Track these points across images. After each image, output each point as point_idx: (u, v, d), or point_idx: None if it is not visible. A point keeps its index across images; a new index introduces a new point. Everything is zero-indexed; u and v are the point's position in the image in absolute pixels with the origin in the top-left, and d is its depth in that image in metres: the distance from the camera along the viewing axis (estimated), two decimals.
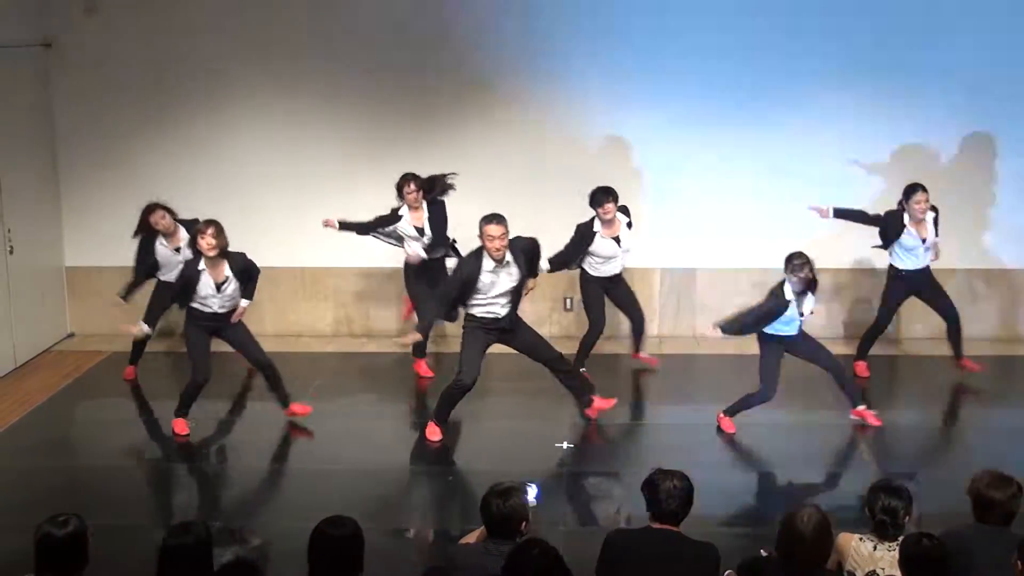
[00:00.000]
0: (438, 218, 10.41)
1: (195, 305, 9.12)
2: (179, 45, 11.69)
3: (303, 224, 11.47)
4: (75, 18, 11.62)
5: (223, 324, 9.25)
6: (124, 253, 11.74)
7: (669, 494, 5.50)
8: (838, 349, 10.10)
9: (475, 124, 11.70)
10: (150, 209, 10.05)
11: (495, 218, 8.69)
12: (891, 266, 10.37)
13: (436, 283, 10.46)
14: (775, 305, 8.94)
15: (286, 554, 7.11)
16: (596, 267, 10.26)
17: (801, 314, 8.98)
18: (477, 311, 8.94)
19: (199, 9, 11.65)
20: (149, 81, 11.75)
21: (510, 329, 9.06)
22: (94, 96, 11.78)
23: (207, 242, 8.84)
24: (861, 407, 9.32)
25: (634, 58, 11.52)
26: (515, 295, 8.97)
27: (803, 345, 9.24)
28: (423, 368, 10.83)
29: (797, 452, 9.00)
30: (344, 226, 10.50)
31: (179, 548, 4.94)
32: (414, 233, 10.35)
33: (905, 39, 11.37)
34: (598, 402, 9.43)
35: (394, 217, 10.41)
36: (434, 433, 9.18)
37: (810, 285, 8.90)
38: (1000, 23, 11.31)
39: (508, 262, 8.79)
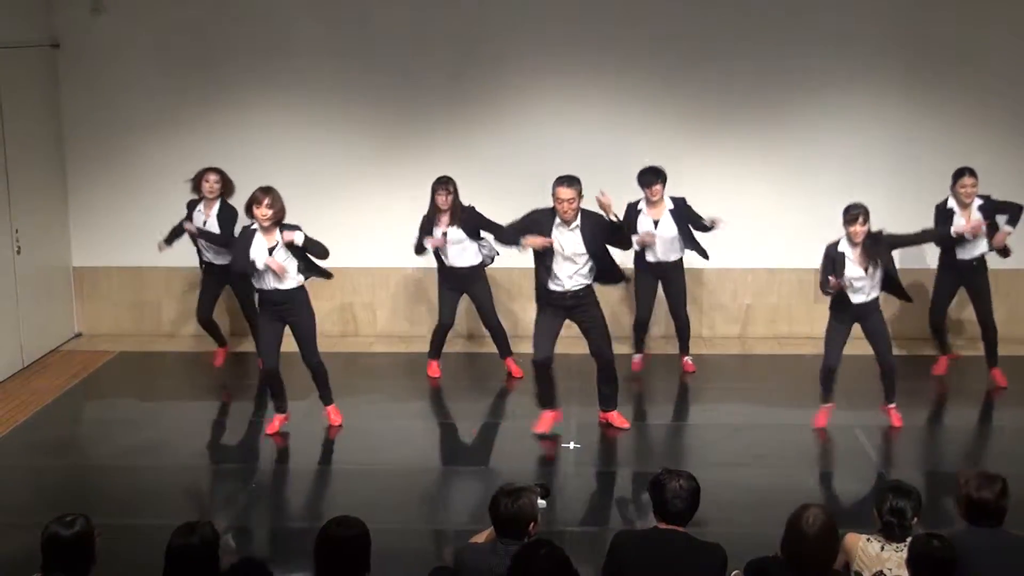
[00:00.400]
0: (478, 221, 10.33)
1: (260, 287, 9.00)
2: (187, 45, 11.71)
3: (310, 223, 11.39)
4: (83, 18, 11.64)
5: (292, 309, 9.01)
6: (132, 253, 11.83)
7: (675, 494, 5.48)
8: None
9: (481, 123, 11.70)
10: (207, 169, 10.36)
11: (567, 180, 8.70)
12: (940, 254, 10.28)
13: (467, 290, 10.50)
14: (826, 255, 8.93)
15: (294, 554, 7.13)
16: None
17: (866, 270, 8.84)
18: (546, 279, 8.91)
19: (206, 9, 11.67)
20: (157, 81, 11.77)
21: (578, 307, 8.97)
22: (102, 96, 11.80)
23: (261, 212, 8.73)
24: (891, 405, 9.27)
25: (635, 58, 11.54)
26: (584, 268, 8.86)
27: (872, 323, 9.09)
28: (434, 369, 10.81)
29: (806, 452, 8.98)
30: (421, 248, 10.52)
31: (184, 548, 4.94)
32: (439, 236, 10.31)
33: (913, 36, 11.40)
34: (616, 417, 9.36)
35: (429, 224, 10.38)
36: (544, 424, 9.21)
37: (867, 248, 8.83)
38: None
39: (576, 226, 8.75)
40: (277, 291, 8.93)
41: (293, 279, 8.96)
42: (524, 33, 11.59)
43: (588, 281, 8.96)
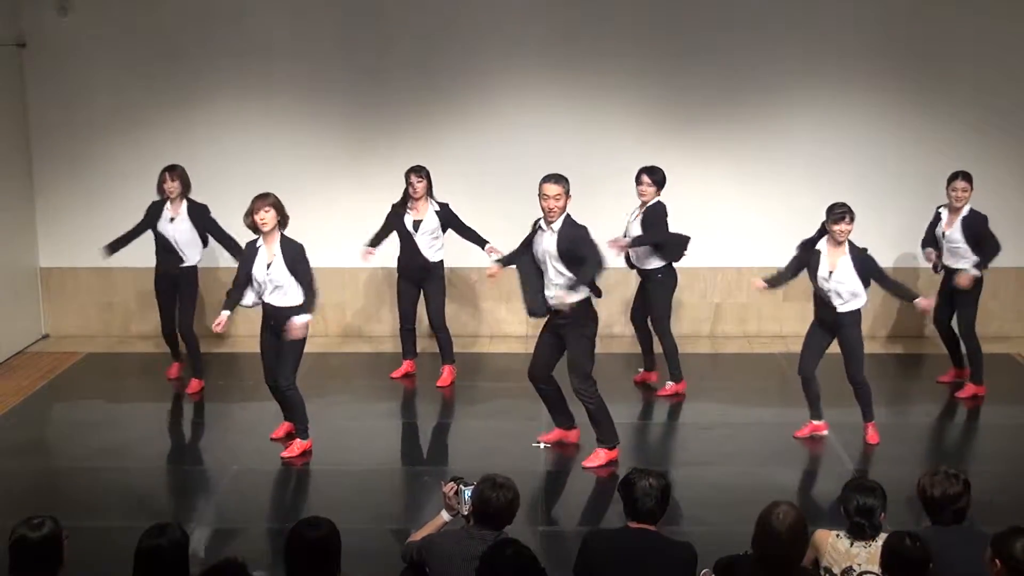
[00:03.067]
0: (453, 219, 10.37)
1: (261, 300, 8.69)
2: (154, 45, 11.65)
3: None
4: (49, 18, 11.57)
5: (280, 322, 8.66)
6: (99, 254, 11.73)
7: (645, 492, 5.50)
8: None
9: (449, 123, 11.70)
10: (165, 170, 10.10)
11: (553, 177, 8.38)
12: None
13: (423, 285, 10.44)
14: (799, 249, 8.83)
15: (266, 555, 7.11)
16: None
17: (830, 273, 8.61)
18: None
19: (173, 10, 11.61)
20: (124, 81, 11.72)
21: (562, 324, 8.50)
22: (69, 96, 11.73)
23: (260, 218, 8.46)
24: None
25: (604, 57, 11.58)
26: (558, 277, 8.38)
27: (847, 335, 8.81)
28: (410, 367, 10.73)
29: (775, 450, 9.01)
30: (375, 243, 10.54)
31: (154, 550, 4.92)
32: (410, 227, 10.28)
33: (881, 38, 11.48)
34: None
35: (399, 213, 10.36)
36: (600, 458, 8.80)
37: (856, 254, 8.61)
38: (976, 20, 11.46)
39: (554, 230, 8.39)
40: (277, 308, 8.64)
41: (295, 297, 8.66)
42: (493, 32, 11.59)
43: (567, 296, 8.41)
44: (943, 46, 11.48)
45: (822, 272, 8.68)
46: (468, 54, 11.62)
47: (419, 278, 10.47)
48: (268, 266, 8.57)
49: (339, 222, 11.71)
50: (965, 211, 9.83)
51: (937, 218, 10.02)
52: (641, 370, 10.60)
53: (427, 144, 11.55)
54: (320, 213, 11.74)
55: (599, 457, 8.66)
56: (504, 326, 11.98)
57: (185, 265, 10.23)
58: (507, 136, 11.62)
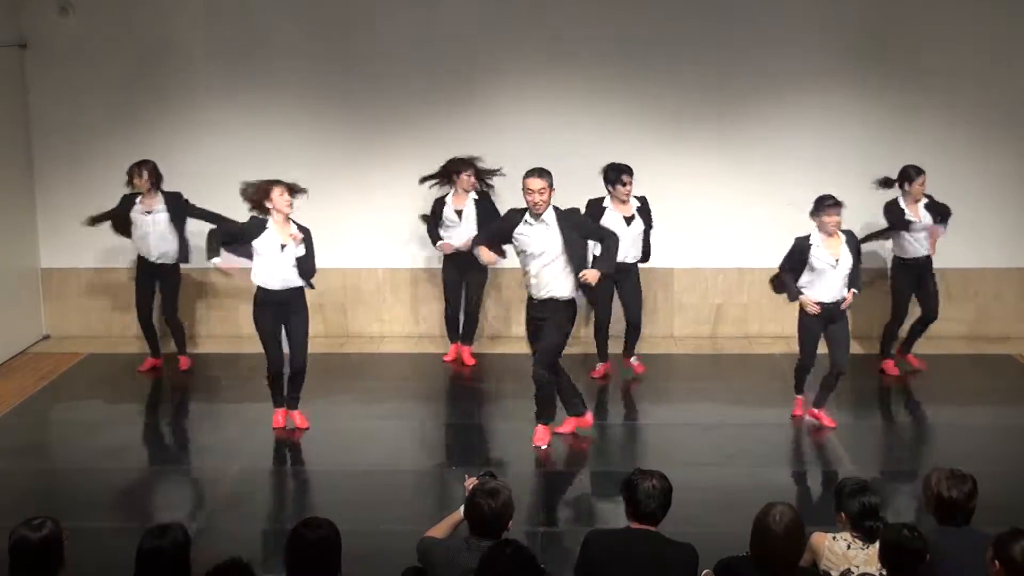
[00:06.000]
0: (487, 211, 10.50)
1: (259, 283, 8.92)
2: (155, 45, 11.65)
3: None
4: (51, 18, 11.56)
5: (290, 310, 9.02)
6: (100, 255, 11.77)
7: (648, 494, 5.50)
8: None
9: (451, 125, 11.65)
10: (136, 164, 10.27)
11: (536, 171, 8.50)
12: (895, 257, 10.61)
13: (469, 276, 10.67)
14: (795, 244, 8.98)
15: (266, 555, 7.11)
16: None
17: (834, 265, 8.87)
18: (526, 283, 8.81)
19: (175, 10, 11.61)
20: (125, 81, 11.71)
21: (545, 319, 8.67)
22: (70, 97, 11.72)
23: (286, 199, 8.69)
24: (820, 410, 9.25)
25: (604, 60, 11.57)
26: (555, 269, 8.52)
27: (838, 328, 9.10)
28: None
29: (776, 451, 9.01)
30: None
31: (156, 551, 4.92)
32: (454, 217, 10.46)
33: (878, 39, 11.47)
34: (571, 422, 9.11)
35: (439, 206, 10.66)
36: (541, 438, 8.90)
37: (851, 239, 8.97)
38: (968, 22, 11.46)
39: (545, 222, 8.49)
40: (280, 291, 8.91)
41: (295, 280, 8.93)
42: (495, 36, 11.58)
43: (561, 293, 8.58)
44: (945, 48, 11.47)
45: (832, 265, 8.91)
46: (471, 59, 11.60)
47: (462, 267, 10.78)
48: (283, 248, 8.76)
49: (341, 223, 11.70)
50: (923, 200, 10.37)
51: (902, 214, 10.36)
52: (601, 365, 10.64)
53: (429, 145, 11.53)
54: (322, 214, 11.70)
55: (569, 425, 9.06)
56: (503, 326, 11.97)
57: (165, 262, 10.49)
58: (506, 136, 11.57)
